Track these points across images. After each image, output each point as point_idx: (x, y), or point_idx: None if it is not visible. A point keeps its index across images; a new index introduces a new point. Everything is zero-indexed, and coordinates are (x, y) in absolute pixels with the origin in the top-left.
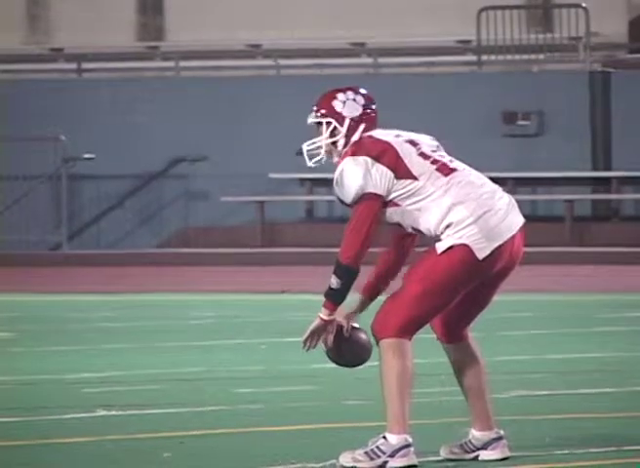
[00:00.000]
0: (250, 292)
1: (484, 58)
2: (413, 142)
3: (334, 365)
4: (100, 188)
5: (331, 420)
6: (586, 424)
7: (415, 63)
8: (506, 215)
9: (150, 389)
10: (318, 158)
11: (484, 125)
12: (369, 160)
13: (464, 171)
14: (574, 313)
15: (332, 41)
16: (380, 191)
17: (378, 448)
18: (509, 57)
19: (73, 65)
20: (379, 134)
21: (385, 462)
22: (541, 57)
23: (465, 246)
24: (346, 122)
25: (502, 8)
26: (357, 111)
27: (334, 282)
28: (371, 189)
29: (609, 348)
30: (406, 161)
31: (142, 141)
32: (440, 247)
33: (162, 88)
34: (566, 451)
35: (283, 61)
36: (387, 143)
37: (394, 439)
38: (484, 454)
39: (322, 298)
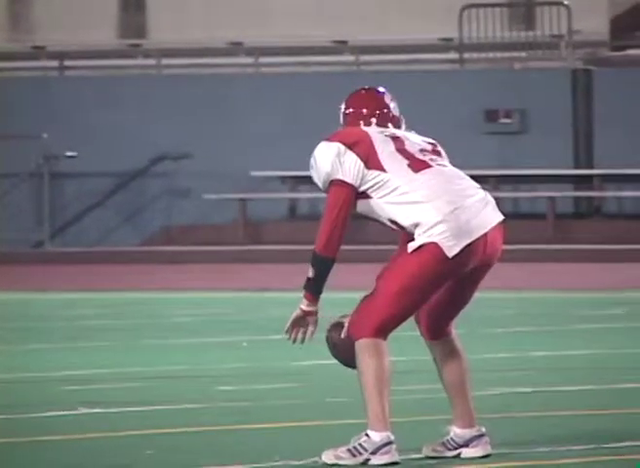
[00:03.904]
0: (232, 289)
1: (466, 55)
2: (395, 137)
3: (317, 362)
4: (83, 186)
5: (314, 418)
6: (569, 421)
7: (397, 61)
8: (478, 213)
9: (132, 387)
10: None
11: (466, 122)
12: (342, 146)
13: (438, 168)
14: (556, 310)
15: (314, 39)
16: (349, 179)
17: (360, 445)
18: (491, 54)
19: (55, 63)
20: (365, 127)
21: (368, 459)
22: (524, 54)
23: (435, 244)
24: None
25: (485, 6)
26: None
27: (310, 272)
28: (339, 176)
29: (591, 345)
30: (379, 152)
31: (125, 139)
32: (410, 246)
33: (144, 86)
34: (548, 449)
35: (264, 59)
36: (364, 133)
37: (376, 436)
38: (466, 452)
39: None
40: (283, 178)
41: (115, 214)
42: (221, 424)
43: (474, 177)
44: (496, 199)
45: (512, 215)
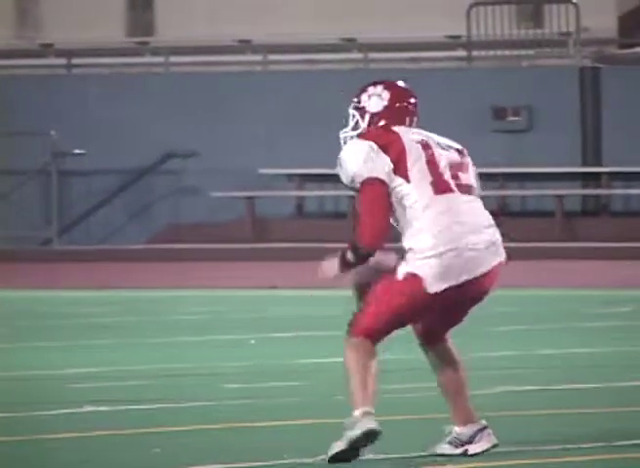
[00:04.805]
0: (240, 287)
1: (474, 53)
2: (425, 145)
3: (323, 360)
4: (91, 184)
5: (322, 416)
6: (576, 419)
7: (405, 59)
8: (474, 258)
9: (139, 385)
10: None
11: (474, 120)
12: (374, 146)
13: (456, 197)
14: (562, 308)
15: (321, 36)
16: (382, 176)
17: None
18: (499, 52)
19: (63, 61)
20: (397, 128)
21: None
22: (531, 52)
23: (418, 277)
24: (366, 117)
25: (493, 3)
26: (379, 107)
27: (349, 256)
28: (372, 174)
29: (597, 343)
30: (409, 161)
31: (132, 137)
32: (400, 270)
33: (152, 83)
34: (555, 447)
35: (272, 57)
36: (397, 136)
37: (356, 412)
38: (472, 448)
39: (310, 292)
40: (290, 176)
41: (122, 212)
42: (229, 422)
43: (482, 175)
44: (503, 197)
45: (520, 213)
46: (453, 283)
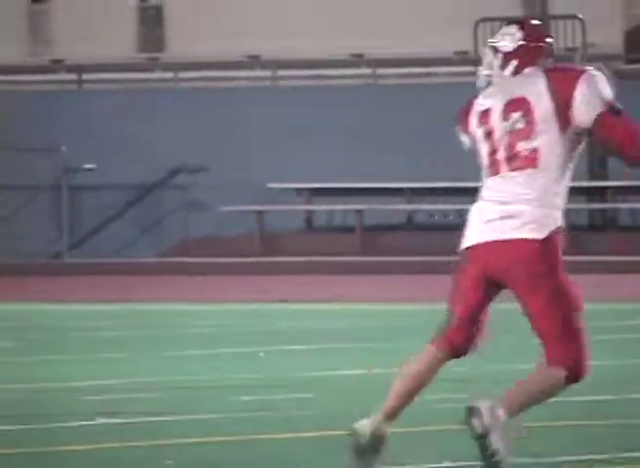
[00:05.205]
0: (249, 301)
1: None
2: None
3: (334, 372)
4: (101, 198)
5: (332, 427)
6: (596, 431)
7: (413, 74)
8: (484, 225)
9: (151, 397)
10: None
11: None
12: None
13: (500, 178)
14: None
15: (330, 52)
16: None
17: None
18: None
19: (74, 76)
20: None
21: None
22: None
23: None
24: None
25: (499, 19)
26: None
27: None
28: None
29: (614, 356)
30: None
31: (143, 152)
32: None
33: (162, 99)
34: (580, 458)
35: (281, 72)
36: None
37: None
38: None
39: (320, 307)
40: (299, 190)
41: (133, 226)
42: (240, 434)
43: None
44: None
45: None
46: (467, 243)
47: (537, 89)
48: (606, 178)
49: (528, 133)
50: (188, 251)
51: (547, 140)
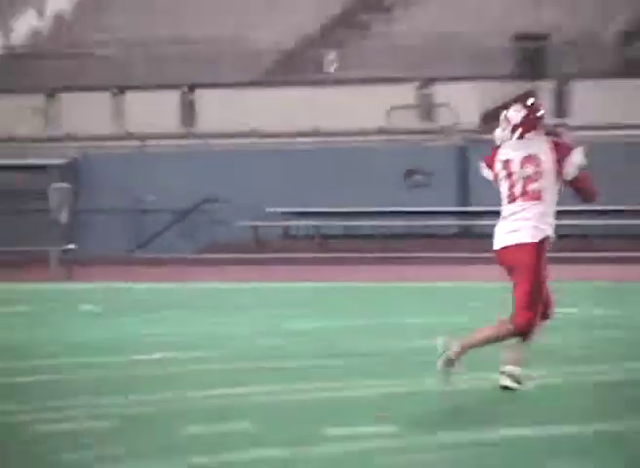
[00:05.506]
0: (250, 280)
1: (393, 137)
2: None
3: None
4: (158, 218)
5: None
6: None
7: (350, 141)
8: (500, 235)
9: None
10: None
11: (393, 181)
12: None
13: (516, 205)
14: None
15: (301, 127)
16: None
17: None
18: (413, 137)
19: (138, 143)
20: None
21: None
22: (429, 137)
23: None
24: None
25: (407, 107)
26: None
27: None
28: None
29: None
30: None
31: (183, 188)
32: None
33: (194, 155)
34: None
35: (269, 140)
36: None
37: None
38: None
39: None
40: (283, 213)
41: (178, 235)
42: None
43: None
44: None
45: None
46: (494, 247)
47: (545, 151)
48: (469, 205)
49: (536, 178)
50: (216, 250)
51: (547, 184)
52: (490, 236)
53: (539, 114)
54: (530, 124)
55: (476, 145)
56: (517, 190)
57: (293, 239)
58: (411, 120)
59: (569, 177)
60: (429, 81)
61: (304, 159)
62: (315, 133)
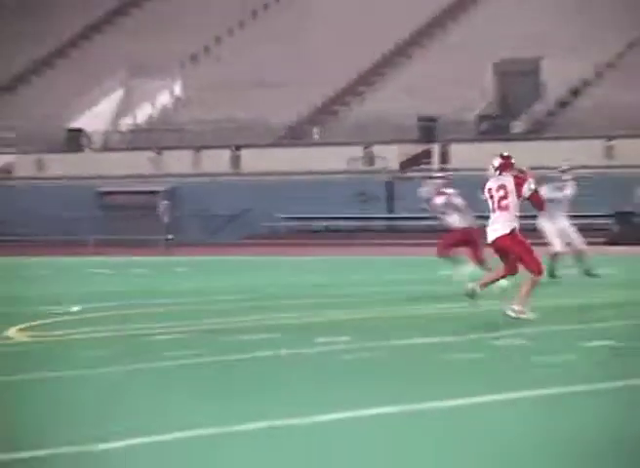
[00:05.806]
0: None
1: (374, 167)
2: (490, 188)
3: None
4: (205, 221)
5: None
6: None
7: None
8: (490, 232)
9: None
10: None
11: (351, 199)
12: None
13: (496, 213)
14: None
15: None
16: None
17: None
18: (362, 175)
19: (208, 179)
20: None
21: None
22: (370, 174)
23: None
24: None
25: (363, 158)
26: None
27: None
28: None
29: None
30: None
31: (230, 201)
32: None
33: (235, 185)
34: None
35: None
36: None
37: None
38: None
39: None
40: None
41: (226, 229)
42: None
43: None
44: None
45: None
46: (487, 240)
47: (509, 181)
48: (395, 219)
49: (505, 197)
50: (256, 238)
51: (512, 200)
52: (406, 231)
53: (510, 162)
54: (504, 167)
55: (398, 180)
56: (495, 205)
57: (295, 232)
58: (360, 165)
59: (526, 195)
60: (371, 144)
61: (300, 187)
62: (308, 172)
